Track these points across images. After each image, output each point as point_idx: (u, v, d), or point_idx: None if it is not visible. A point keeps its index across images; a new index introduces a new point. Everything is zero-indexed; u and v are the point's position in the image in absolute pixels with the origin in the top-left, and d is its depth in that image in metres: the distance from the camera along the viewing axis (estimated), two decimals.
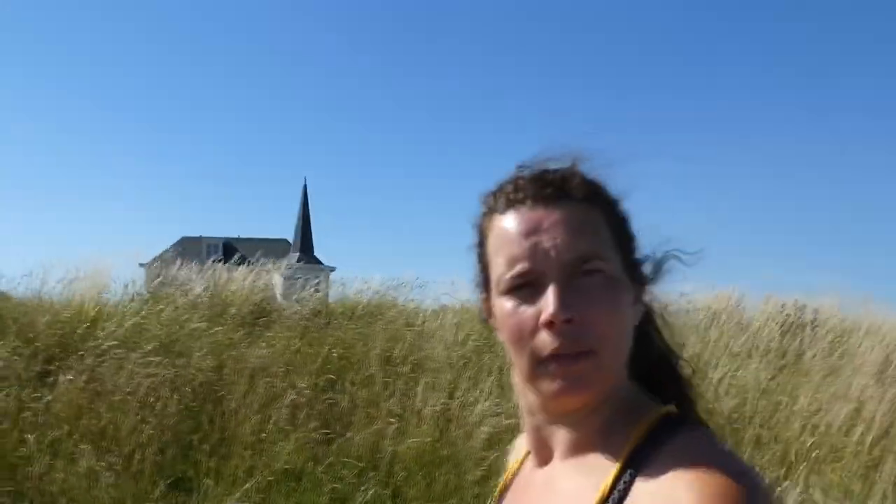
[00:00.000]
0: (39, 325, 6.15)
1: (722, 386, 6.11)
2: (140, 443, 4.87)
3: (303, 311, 7.73)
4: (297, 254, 47.32)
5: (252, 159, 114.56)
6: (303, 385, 5.57)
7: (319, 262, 45.17)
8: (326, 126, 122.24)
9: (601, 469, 0.71)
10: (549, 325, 0.71)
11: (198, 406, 5.47)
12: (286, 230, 56.93)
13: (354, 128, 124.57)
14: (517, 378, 0.80)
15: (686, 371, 0.85)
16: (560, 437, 0.78)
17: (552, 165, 0.79)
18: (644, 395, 0.79)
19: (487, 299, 0.81)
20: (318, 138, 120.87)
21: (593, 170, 0.79)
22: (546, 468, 0.80)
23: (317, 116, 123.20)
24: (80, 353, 5.69)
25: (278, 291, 11.36)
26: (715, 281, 9.35)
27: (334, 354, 6.32)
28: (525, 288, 0.74)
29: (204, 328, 6.47)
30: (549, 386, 0.73)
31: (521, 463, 0.91)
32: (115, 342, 5.86)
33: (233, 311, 7.12)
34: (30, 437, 4.79)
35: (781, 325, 8.22)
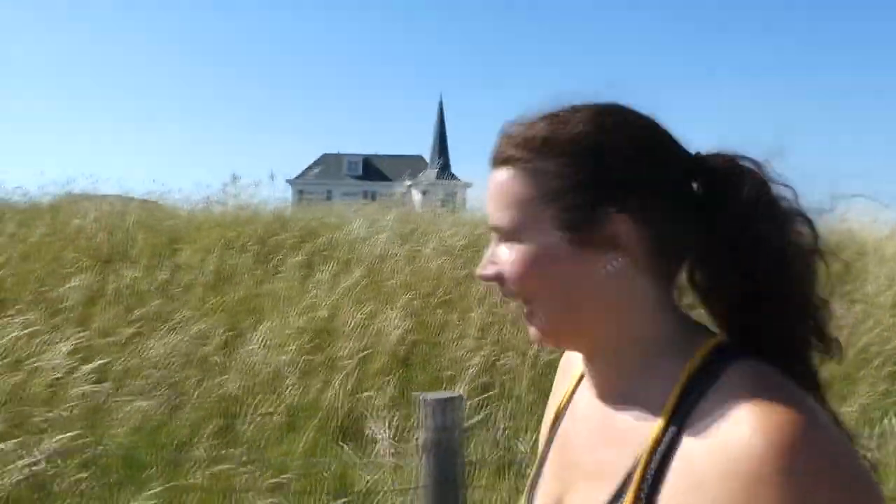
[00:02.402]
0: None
1: None
2: None
3: None
4: (435, 170, 48.85)
5: (389, 76, 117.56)
6: None
7: (456, 178, 46.03)
8: (464, 40, 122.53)
9: (650, 413, 0.67)
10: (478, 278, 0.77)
11: None
12: (422, 147, 58.50)
13: (492, 41, 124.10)
14: None
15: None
16: (597, 371, 0.76)
17: (524, 121, 0.74)
18: (693, 328, 0.72)
19: None
20: (456, 51, 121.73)
21: (569, 118, 0.72)
22: (602, 402, 0.75)
23: (455, 29, 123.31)
24: None
25: (417, 207, 12.08)
26: None
27: None
28: None
29: None
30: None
31: (576, 387, 0.86)
32: None
33: None
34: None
35: None
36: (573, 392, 0.86)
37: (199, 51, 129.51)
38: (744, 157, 0.73)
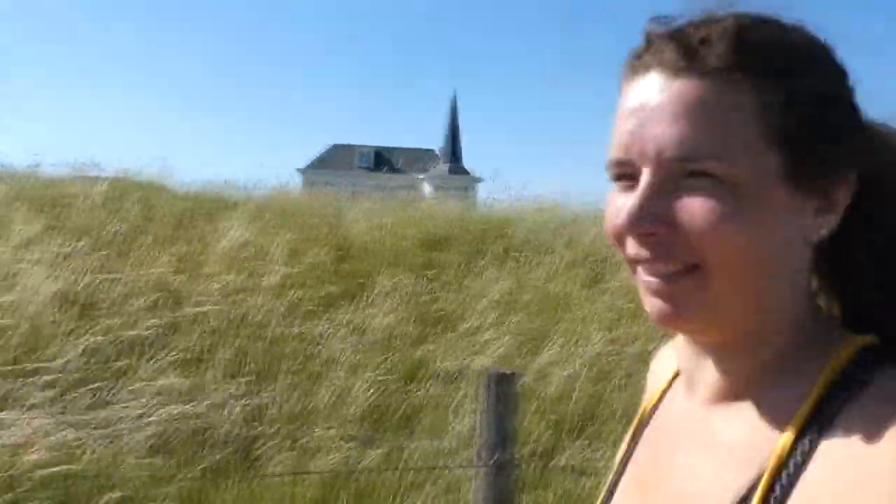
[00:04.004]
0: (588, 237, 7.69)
1: None
2: None
3: None
4: (448, 165, 48.13)
5: (403, 69, 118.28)
6: None
7: (467, 173, 45.66)
8: (478, 37, 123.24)
9: (775, 422, 0.55)
10: (627, 231, 0.56)
11: None
12: (435, 140, 58.62)
13: (506, 39, 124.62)
14: None
15: None
16: (719, 368, 0.60)
17: (707, 19, 0.55)
18: (834, 327, 0.59)
19: None
20: (470, 49, 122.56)
21: (774, 29, 0.55)
22: (702, 405, 0.61)
23: (469, 27, 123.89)
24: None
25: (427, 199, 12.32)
26: None
27: None
28: (624, 179, 0.57)
29: None
30: (647, 303, 0.58)
31: (666, 390, 0.71)
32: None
33: None
34: None
35: None
36: (663, 393, 0.72)
37: (206, 29, 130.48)
38: None
